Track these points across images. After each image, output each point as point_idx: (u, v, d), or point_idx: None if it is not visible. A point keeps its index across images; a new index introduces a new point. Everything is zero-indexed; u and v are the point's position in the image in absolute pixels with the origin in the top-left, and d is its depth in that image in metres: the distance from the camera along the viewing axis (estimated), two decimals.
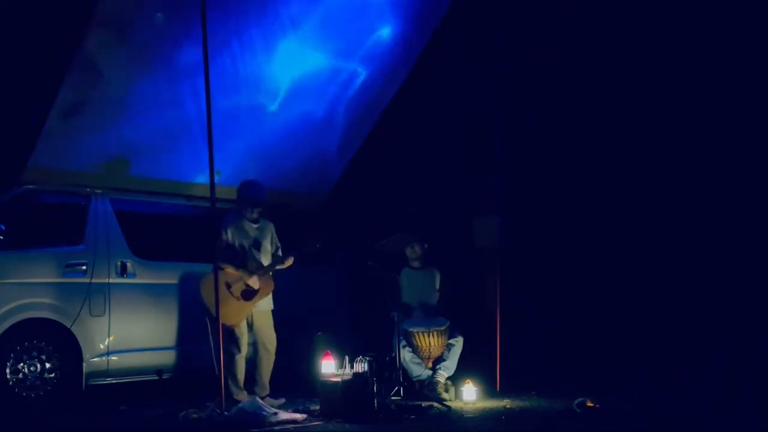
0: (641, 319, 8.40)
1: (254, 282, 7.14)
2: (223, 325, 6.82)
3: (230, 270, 7.12)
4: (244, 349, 7.16)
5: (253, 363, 7.25)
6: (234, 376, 7.08)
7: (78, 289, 7.16)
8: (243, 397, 6.96)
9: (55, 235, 7.24)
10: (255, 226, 7.32)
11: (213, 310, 6.80)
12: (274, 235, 7.45)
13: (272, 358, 7.30)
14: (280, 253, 7.40)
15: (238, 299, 7.11)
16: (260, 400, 6.64)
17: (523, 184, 8.90)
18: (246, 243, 7.23)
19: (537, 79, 8.96)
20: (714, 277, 8.10)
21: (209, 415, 6.58)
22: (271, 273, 7.24)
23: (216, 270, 6.73)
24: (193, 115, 7.61)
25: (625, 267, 8.62)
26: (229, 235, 7.18)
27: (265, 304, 7.28)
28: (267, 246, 7.36)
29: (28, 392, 6.83)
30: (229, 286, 7.08)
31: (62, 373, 7.00)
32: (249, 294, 7.14)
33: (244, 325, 7.18)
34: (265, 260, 7.28)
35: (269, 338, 7.30)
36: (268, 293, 7.25)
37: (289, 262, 7.32)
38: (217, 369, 6.72)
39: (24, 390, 6.81)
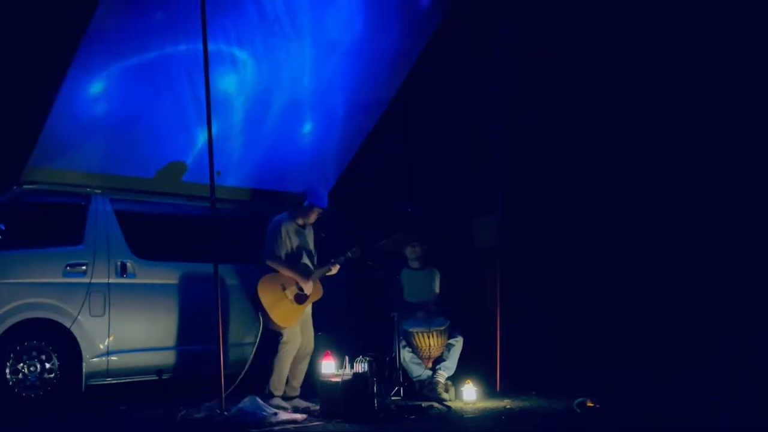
0: (641, 318, 8.39)
1: (309, 287, 7.22)
2: (275, 326, 7.05)
3: (287, 272, 7.18)
4: (296, 349, 7.20)
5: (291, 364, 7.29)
6: (281, 372, 7.13)
7: (78, 289, 7.15)
8: (281, 392, 7.11)
9: (55, 235, 7.23)
10: (304, 230, 7.39)
11: (270, 312, 6.99)
12: (315, 241, 7.54)
13: (308, 360, 7.38)
14: (315, 260, 7.48)
15: (292, 302, 7.17)
16: (260, 400, 6.64)
17: (523, 184, 8.90)
18: (296, 247, 7.29)
19: (537, 79, 8.95)
20: (714, 277, 8.10)
21: (209, 415, 6.58)
22: (319, 278, 7.34)
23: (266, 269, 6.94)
24: (193, 115, 7.60)
25: (625, 267, 8.62)
26: (282, 236, 7.22)
27: (307, 312, 7.39)
28: (312, 252, 7.45)
29: (28, 392, 6.83)
30: (284, 288, 7.14)
31: (62, 373, 7.00)
32: (301, 298, 7.22)
33: (297, 327, 7.24)
34: (310, 265, 7.39)
35: (311, 342, 7.39)
36: (317, 299, 7.35)
37: (336, 269, 7.40)
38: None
39: (24, 390, 6.81)
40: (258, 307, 7.10)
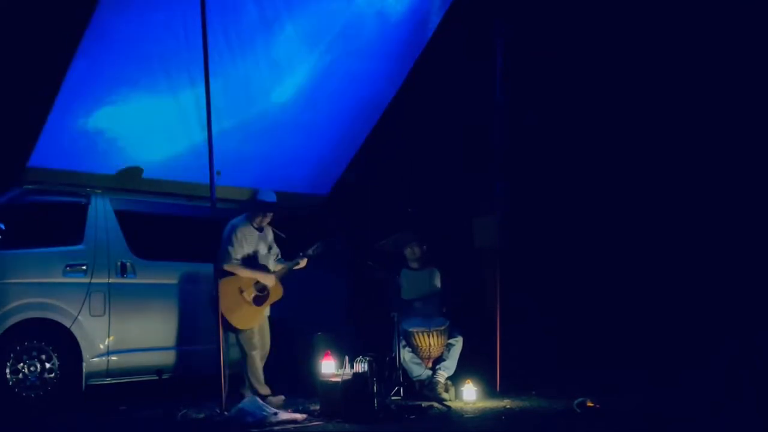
0: (641, 318, 8.39)
1: (271, 280, 7.25)
2: (235, 328, 7.05)
3: (246, 273, 7.19)
4: (258, 348, 7.25)
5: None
6: (255, 374, 7.18)
7: (78, 289, 7.16)
8: (267, 391, 7.13)
9: (55, 235, 7.24)
10: (259, 232, 7.39)
11: (228, 316, 6.96)
12: (273, 240, 7.54)
13: (264, 360, 7.40)
14: (279, 257, 7.52)
15: (250, 304, 7.16)
16: (260, 400, 6.65)
17: (523, 184, 8.89)
18: (252, 249, 7.31)
19: (537, 79, 8.95)
20: (714, 277, 8.09)
21: (209, 415, 6.58)
22: (283, 275, 7.35)
23: (216, 274, 6.83)
24: (193, 114, 7.60)
25: (625, 267, 8.61)
26: (239, 240, 7.21)
27: (267, 311, 7.42)
28: (269, 252, 7.48)
29: (28, 392, 6.84)
30: (241, 291, 7.14)
31: (62, 373, 7.01)
32: (260, 300, 7.22)
33: (255, 329, 7.27)
34: (269, 266, 7.40)
35: (266, 343, 7.44)
36: (278, 298, 7.36)
37: (303, 263, 7.43)
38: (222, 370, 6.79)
39: (24, 390, 6.82)
40: (216, 311, 7.01)
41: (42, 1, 7.20)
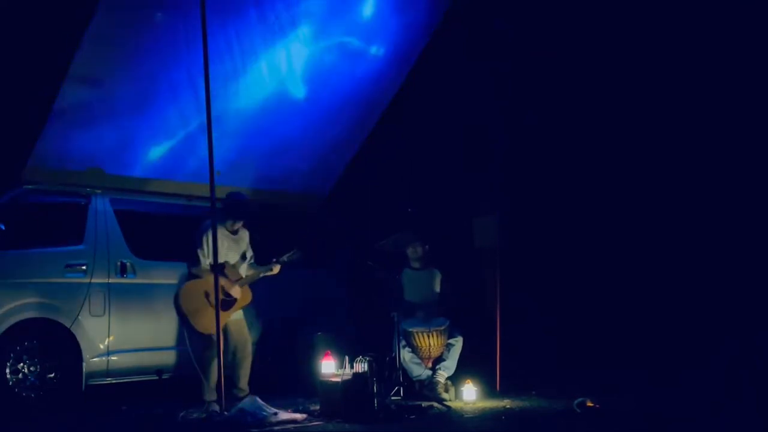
0: (641, 318, 8.40)
1: (236, 291, 6.99)
2: (196, 332, 6.86)
3: (210, 278, 6.88)
4: (214, 357, 6.86)
5: (232, 367, 7.05)
6: (208, 378, 6.91)
7: (78, 289, 7.16)
8: (214, 397, 6.82)
9: (55, 235, 7.23)
10: (233, 236, 7.15)
11: (191, 319, 6.80)
12: (249, 244, 7.28)
13: (249, 359, 7.14)
14: (252, 261, 7.25)
15: (213, 308, 6.86)
16: (260, 400, 6.65)
17: (523, 184, 8.90)
18: (223, 252, 6.98)
19: (537, 79, 8.95)
20: (714, 276, 8.10)
21: (209, 415, 6.58)
22: (248, 283, 7.10)
23: (190, 276, 6.79)
24: (193, 114, 7.60)
25: (626, 267, 8.62)
26: (209, 243, 6.92)
27: (237, 315, 7.13)
28: (243, 255, 7.20)
29: (28, 392, 6.83)
30: (207, 295, 6.90)
31: (62, 373, 7.00)
32: (227, 304, 6.95)
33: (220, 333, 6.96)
34: (242, 270, 7.14)
35: (243, 344, 7.12)
36: (246, 304, 7.10)
37: (277, 269, 7.19)
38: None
39: (24, 390, 6.81)
40: (179, 314, 6.91)
41: (42, 1, 7.20)
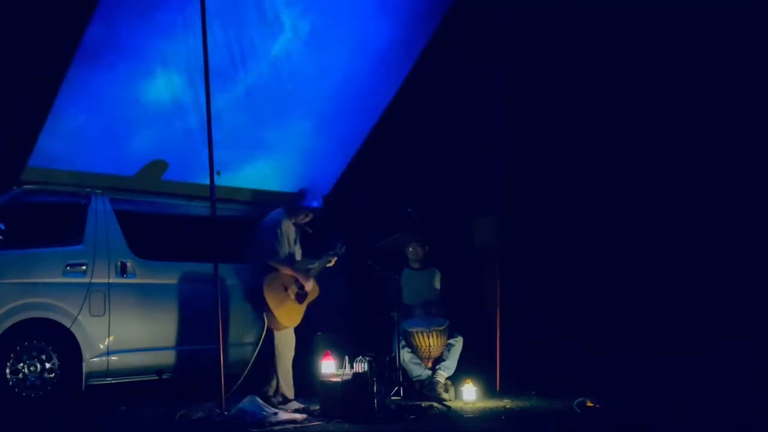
0: (641, 318, 8.39)
1: (310, 284, 7.24)
2: (279, 326, 7.05)
3: (288, 271, 7.18)
4: (292, 351, 7.24)
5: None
6: (285, 377, 7.14)
7: (78, 289, 7.16)
8: (292, 395, 7.10)
9: (55, 235, 7.23)
10: (297, 229, 7.42)
11: (276, 313, 6.99)
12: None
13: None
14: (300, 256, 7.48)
15: (294, 301, 7.19)
16: (260, 400, 6.65)
17: (523, 184, 8.90)
18: (292, 246, 7.31)
19: (537, 79, 8.95)
20: (714, 277, 8.10)
21: (209, 415, 6.58)
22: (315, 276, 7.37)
23: (258, 270, 6.99)
24: (193, 115, 7.60)
25: (626, 267, 8.61)
26: (284, 236, 7.22)
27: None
28: (301, 250, 7.47)
29: (28, 392, 6.83)
30: (285, 288, 7.14)
31: (62, 373, 7.00)
32: (302, 297, 7.23)
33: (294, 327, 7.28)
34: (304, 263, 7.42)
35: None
36: (315, 297, 7.36)
37: (334, 260, 7.45)
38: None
39: (24, 390, 6.82)
40: (264, 308, 7.07)
41: (42, 1, 7.20)
